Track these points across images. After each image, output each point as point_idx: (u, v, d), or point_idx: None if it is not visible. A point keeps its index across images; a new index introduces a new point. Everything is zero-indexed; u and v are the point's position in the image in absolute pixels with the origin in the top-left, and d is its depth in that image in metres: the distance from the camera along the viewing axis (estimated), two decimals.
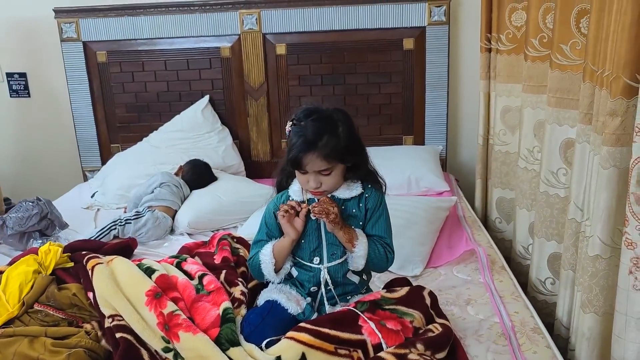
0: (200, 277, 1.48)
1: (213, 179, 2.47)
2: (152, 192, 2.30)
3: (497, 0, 2.27)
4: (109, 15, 2.74)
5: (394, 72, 2.76)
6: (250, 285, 1.55)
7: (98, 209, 2.53)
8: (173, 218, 2.24)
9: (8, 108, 3.01)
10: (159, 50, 2.80)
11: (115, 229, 2.10)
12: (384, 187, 1.44)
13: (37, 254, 1.62)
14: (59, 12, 2.74)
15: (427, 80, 2.75)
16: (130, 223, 2.12)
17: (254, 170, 2.82)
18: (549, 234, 1.84)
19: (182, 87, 2.85)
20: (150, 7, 2.73)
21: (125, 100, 2.88)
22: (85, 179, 3.00)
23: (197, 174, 2.44)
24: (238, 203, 2.27)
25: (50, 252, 1.59)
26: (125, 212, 2.39)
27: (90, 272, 1.49)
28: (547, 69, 1.78)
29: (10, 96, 2.99)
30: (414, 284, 1.52)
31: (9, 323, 1.44)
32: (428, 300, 1.40)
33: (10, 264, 1.68)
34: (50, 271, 1.57)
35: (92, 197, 2.65)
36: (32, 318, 1.46)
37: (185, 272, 1.52)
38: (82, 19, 2.75)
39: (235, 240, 1.79)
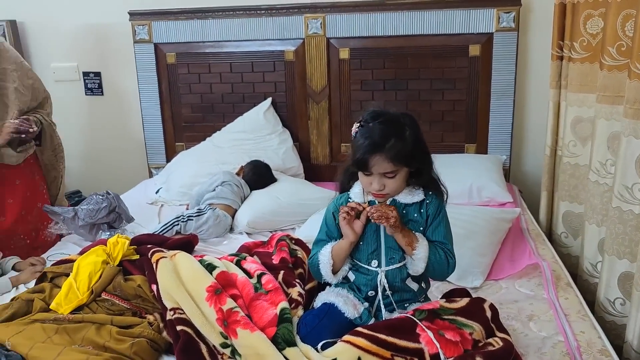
0: (259, 276, 1.50)
1: (273, 180, 2.51)
2: (214, 190, 2.36)
3: (572, 6, 2.18)
4: (180, 18, 2.84)
5: (459, 79, 2.71)
6: (307, 287, 1.56)
7: (162, 205, 2.62)
8: (233, 217, 2.29)
9: (83, 105, 3.17)
10: (225, 52, 2.87)
11: (177, 224, 2.17)
12: (445, 196, 1.41)
13: (105, 245, 1.70)
14: (133, 15, 2.87)
15: (493, 87, 2.68)
16: (192, 220, 2.17)
17: (312, 173, 2.84)
18: (620, 252, 1.75)
19: (246, 89, 2.91)
20: (218, 10, 2.80)
21: (191, 100, 2.97)
22: (150, 175, 3.11)
23: (258, 175, 2.48)
24: (296, 205, 2.29)
25: (118, 244, 1.66)
26: (187, 209, 2.47)
27: (154, 266, 1.55)
28: (625, 78, 1.69)
29: (85, 94, 3.15)
30: (474, 295, 1.49)
31: (78, 309, 1.51)
32: (489, 313, 1.36)
33: (81, 253, 1.76)
34: (117, 262, 1.64)
35: (156, 193, 2.75)
36: (99, 306, 1.53)
37: (245, 271, 1.55)
38: (154, 22, 2.86)
39: (293, 241, 1.80)
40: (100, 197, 2.22)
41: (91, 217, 2.17)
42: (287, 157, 2.76)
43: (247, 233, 2.24)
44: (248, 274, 1.53)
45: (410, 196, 1.37)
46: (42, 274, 1.68)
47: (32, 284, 1.73)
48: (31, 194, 2.25)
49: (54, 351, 1.31)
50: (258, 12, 2.77)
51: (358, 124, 1.33)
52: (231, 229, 2.28)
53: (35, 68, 2.76)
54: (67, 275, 1.62)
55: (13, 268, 1.91)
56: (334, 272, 1.40)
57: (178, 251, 1.63)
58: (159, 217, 2.47)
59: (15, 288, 1.76)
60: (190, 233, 2.15)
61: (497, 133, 2.72)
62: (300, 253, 1.73)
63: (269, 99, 2.87)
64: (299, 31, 2.77)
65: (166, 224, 2.17)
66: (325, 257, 1.39)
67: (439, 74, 2.72)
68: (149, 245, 1.70)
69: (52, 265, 1.72)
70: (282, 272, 1.56)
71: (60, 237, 2.27)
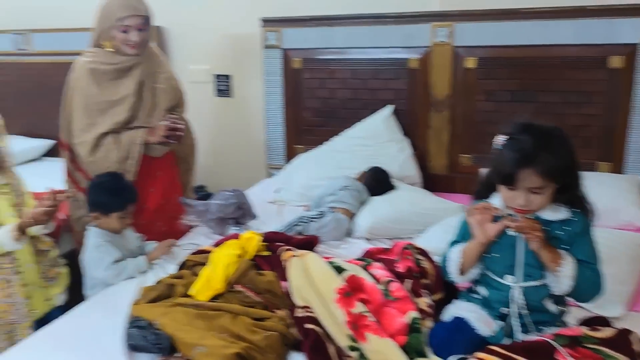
0: (387, 283, 1.51)
1: (391, 187, 2.51)
2: (335, 194, 2.41)
3: None
4: (308, 25, 2.94)
5: (595, 92, 2.55)
6: (434, 298, 1.55)
7: (282, 204, 2.72)
8: (352, 221, 2.32)
9: (213, 106, 3.38)
10: (349, 59, 2.93)
11: (300, 225, 2.24)
12: (592, 214, 1.34)
13: (240, 240, 1.80)
14: (266, 22, 3.01)
15: (635, 102, 2.48)
16: (314, 221, 2.24)
17: (430, 182, 2.80)
18: None
19: (367, 96, 2.94)
20: (346, 18, 2.86)
21: (313, 105, 3.06)
22: (269, 175, 3.24)
23: (377, 181, 2.49)
24: (416, 214, 2.28)
25: (252, 240, 1.75)
26: (307, 210, 2.54)
27: (285, 263, 1.61)
28: None
29: (216, 95, 3.36)
30: (614, 325, 1.39)
31: (214, 298, 1.61)
32: (637, 347, 1.27)
33: (216, 245, 1.88)
34: (250, 257, 1.73)
35: (276, 192, 2.86)
36: (233, 297, 1.61)
37: (372, 276, 1.56)
38: (284, 29, 2.99)
39: (418, 251, 1.79)
40: (229, 193, 2.35)
41: (221, 211, 2.30)
42: (405, 165, 2.75)
43: (365, 238, 2.26)
44: (375, 280, 1.54)
45: (554, 213, 1.31)
46: (182, 262, 1.81)
47: (171, 270, 1.88)
48: (169, 185, 2.43)
49: (196, 334, 1.41)
50: (385, 19, 2.79)
51: (505, 136, 1.29)
52: (349, 233, 2.32)
53: (174, 69, 2.98)
54: (204, 264, 1.74)
55: None
56: (462, 272, 1.39)
57: (308, 251, 1.68)
58: (279, 216, 2.56)
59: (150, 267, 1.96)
60: (311, 234, 2.21)
61: (636, 152, 2.52)
62: (426, 263, 1.71)
63: (390, 107, 2.88)
64: (424, 39, 2.75)
65: (289, 224, 2.25)
66: (454, 254, 1.40)
67: (572, 87, 2.57)
68: (279, 243, 1.77)
69: (191, 254, 1.85)
70: (409, 281, 1.56)
71: (191, 228, 2.44)
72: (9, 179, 2.08)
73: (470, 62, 2.70)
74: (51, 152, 3.67)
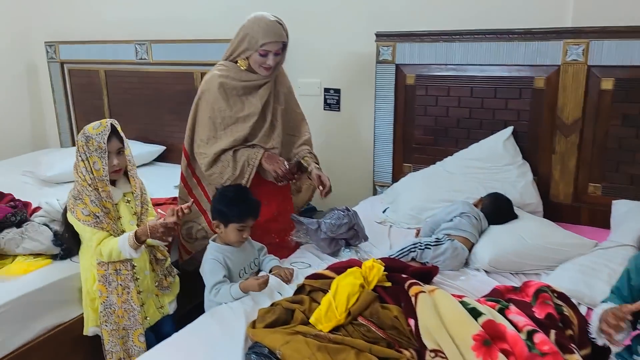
0: (530, 333, 1.37)
1: (513, 216, 2.34)
2: (452, 220, 2.28)
3: None
4: (425, 41, 2.83)
5: None
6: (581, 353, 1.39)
7: (390, 226, 2.63)
8: (470, 251, 2.18)
9: (321, 119, 3.35)
10: (467, 76, 2.78)
11: (414, 251, 2.13)
12: None
13: (359, 267, 1.72)
14: (380, 37, 2.93)
15: None
16: (430, 249, 2.12)
17: (551, 212, 2.58)
18: None
19: (484, 115, 2.78)
20: (467, 33, 2.72)
21: (425, 122, 2.94)
22: (374, 192, 3.16)
23: (498, 209, 2.33)
24: (544, 249, 2.09)
25: (374, 269, 1.67)
26: (417, 234, 2.43)
27: (413, 300, 1.51)
28: None
29: (324, 109, 3.33)
30: None
31: (335, 329, 1.55)
32: None
33: (330, 268, 1.82)
34: (372, 287, 1.65)
35: (383, 212, 2.77)
36: (355, 329, 1.54)
37: (512, 323, 1.43)
38: (399, 44, 2.90)
39: (556, 294, 1.63)
40: (342, 212, 2.29)
41: (332, 231, 2.25)
42: (526, 192, 2.55)
43: (485, 270, 2.11)
44: (516, 328, 1.41)
45: None
46: (300, 286, 1.76)
47: (285, 291, 1.84)
48: (282, 199, 2.43)
49: None
50: (510, 35, 2.62)
51: None
52: (466, 263, 2.18)
53: None
54: (324, 291, 1.68)
55: (270, 270, 2.07)
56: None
57: (436, 287, 1.58)
58: (389, 239, 2.47)
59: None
60: (426, 262, 2.11)
61: None
62: (567, 310, 1.55)
63: (510, 128, 2.70)
64: (554, 57, 2.55)
65: (403, 249, 2.15)
66: (595, 315, 1.24)
67: None
68: (403, 275, 1.68)
69: (308, 278, 1.80)
70: (553, 331, 1.41)
71: (299, 244, 2.41)
72: (132, 187, 2.15)
73: (607, 84, 2.46)
74: (162, 157, 3.82)
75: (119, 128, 2.06)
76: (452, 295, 1.56)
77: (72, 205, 2.01)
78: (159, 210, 2.43)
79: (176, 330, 2.32)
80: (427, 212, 2.56)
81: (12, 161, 3.90)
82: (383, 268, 1.69)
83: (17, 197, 2.85)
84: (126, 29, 3.86)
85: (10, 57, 4.27)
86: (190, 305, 2.50)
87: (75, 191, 2.02)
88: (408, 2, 2.95)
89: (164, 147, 3.80)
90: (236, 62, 2.25)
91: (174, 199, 2.92)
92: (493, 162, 2.66)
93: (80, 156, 2.00)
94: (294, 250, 2.38)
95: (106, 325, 2.09)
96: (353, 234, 2.29)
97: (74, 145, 4.26)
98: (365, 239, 2.31)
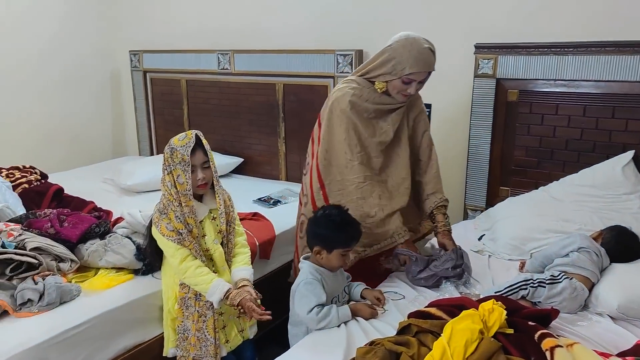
0: None
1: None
2: (567, 255, 2.01)
3: None
4: (532, 54, 2.58)
5: None
6: None
7: (489, 256, 2.38)
8: (590, 291, 1.91)
9: None
10: (579, 93, 2.51)
11: (525, 288, 1.88)
12: None
13: (474, 307, 1.51)
14: (479, 49, 2.71)
15: None
16: (544, 287, 1.87)
17: None
18: None
19: (599, 137, 2.50)
20: (582, 45, 2.45)
21: (528, 143, 2.68)
22: (465, 216, 2.92)
23: (624, 245, 2.03)
24: None
25: (495, 312, 1.45)
26: (521, 267, 2.18)
27: (548, 355, 1.29)
28: None
29: None
30: None
31: None
32: None
33: (437, 307, 1.62)
34: (492, 333, 1.43)
35: (479, 239, 2.53)
36: None
37: None
38: (501, 56, 2.66)
39: None
40: (452, 253, 2.09)
41: (437, 267, 2.05)
42: None
43: (610, 316, 1.83)
44: None
45: None
46: (404, 325, 1.57)
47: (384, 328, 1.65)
48: None
49: None
50: (635, 48, 2.34)
51: None
52: (584, 306, 1.91)
53: None
54: (434, 334, 1.48)
55: (361, 294, 1.95)
56: None
57: (575, 342, 1.34)
58: (489, 270, 2.23)
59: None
60: (537, 301, 1.86)
61: None
62: None
63: (630, 152, 2.40)
64: None
65: (512, 286, 1.90)
66: None
67: None
68: (530, 323, 1.45)
69: (412, 315, 1.60)
70: None
71: (389, 271, 2.22)
72: (217, 203, 2.04)
73: None
74: (239, 169, 3.74)
75: (204, 140, 1.95)
76: (596, 352, 1.31)
77: (157, 219, 1.91)
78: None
79: (257, 356, 2.22)
80: (531, 243, 2.31)
81: (94, 167, 3.95)
82: (505, 312, 1.47)
83: (98, 205, 2.84)
84: (209, 39, 3.83)
85: (95, 65, 4.35)
86: (266, 329, 2.37)
87: (162, 205, 1.92)
88: (510, 12, 2.71)
89: (242, 159, 3.72)
90: (372, 82, 2.09)
91: (255, 214, 2.81)
92: (610, 190, 2.38)
93: (165, 169, 1.90)
94: (385, 275, 2.19)
95: (178, 350, 1.99)
96: (459, 273, 2.06)
97: (152, 154, 4.27)
98: (469, 278, 2.08)
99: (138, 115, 4.31)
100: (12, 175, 2.83)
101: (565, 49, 2.50)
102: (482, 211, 2.82)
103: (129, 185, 3.26)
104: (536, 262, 2.12)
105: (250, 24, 3.63)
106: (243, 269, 2.03)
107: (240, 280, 1.97)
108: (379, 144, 2.10)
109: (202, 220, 1.99)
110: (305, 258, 1.93)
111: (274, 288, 2.34)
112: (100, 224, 2.19)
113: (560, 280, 1.88)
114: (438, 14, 2.91)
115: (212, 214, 2.04)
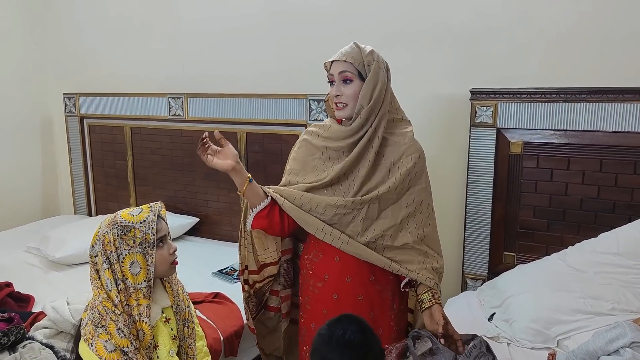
0: None
1: None
2: (617, 351, 1.62)
3: None
4: (538, 100, 2.25)
5: None
6: None
7: (508, 343, 1.97)
8: None
9: None
10: (595, 145, 2.19)
11: None
12: None
13: None
14: (476, 94, 2.37)
15: None
16: None
17: None
18: None
19: (619, 196, 2.17)
20: (597, 92, 2.15)
21: (535, 202, 2.32)
22: (464, 287, 2.51)
23: None
24: None
25: None
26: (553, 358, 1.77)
27: None
28: None
29: None
30: None
31: None
32: None
33: None
34: None
35: (489, 320, 2.12)
36: None
37: None
38: (502, 103, 2.32)
39: None
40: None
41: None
42: None
43: None
44: None
45: None
46: None
47: None
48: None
49: None
50: None
51: None
52: None
53: None
54: None
55: None
56: None
57: None
58: None
59: None
60: None
61: None
62: None
63: None
64: None
65: None
66: None
67: None
68: None
69: None
70: None
71: None
72: (171, 297, 1.54)
73: None
74: (193, 231, 3.21)
75: (163, 211, 1.52)
76: None
77: (90, 335, 1.37)
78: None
79: None
80: (557, 327, 1.93)
81: (17, 232, 3.31)
82: None
83: (16, 290, 2.28)
84: (158, 81, 3.35)
85: (23, 110, 3.75)
86: None
87: (96, 314, 1.39)
88: (511, 52, 2.39)
89: (197, 219, 3.20)
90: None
91: (216, 295, 2.30)
92: (638, 259, 2.03)
93: (105, 262, 1.39)
94: None
95: None
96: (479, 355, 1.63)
97: (90, 212, 3.69)
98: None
99: (73, 167, 3.72)
100: None
101: (578, 96, 2.18)
102: (484, 281, 2.43)
103: (59, 258, 2.67)
104: (574, 357, 1.71)
105: (208, 65, 3.17)
106: None
107: None
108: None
109: (153, 326, 1.48)
110: None
111: None
112: (10, 330, 1.62)
113: None
114: (428, 54, 2.56)
115: (164, 315, 1.54)
